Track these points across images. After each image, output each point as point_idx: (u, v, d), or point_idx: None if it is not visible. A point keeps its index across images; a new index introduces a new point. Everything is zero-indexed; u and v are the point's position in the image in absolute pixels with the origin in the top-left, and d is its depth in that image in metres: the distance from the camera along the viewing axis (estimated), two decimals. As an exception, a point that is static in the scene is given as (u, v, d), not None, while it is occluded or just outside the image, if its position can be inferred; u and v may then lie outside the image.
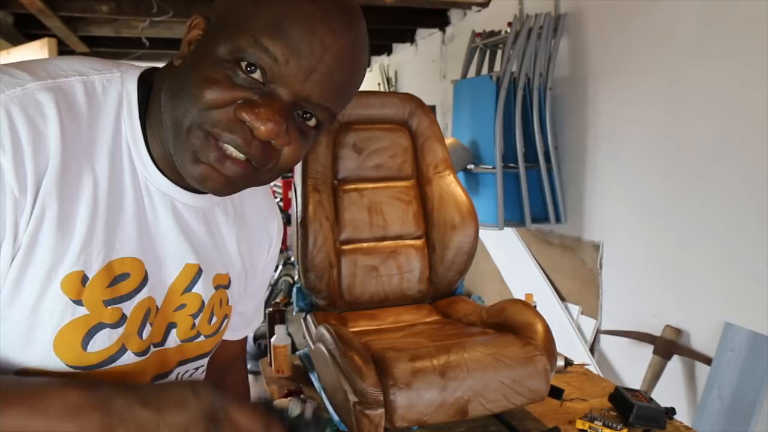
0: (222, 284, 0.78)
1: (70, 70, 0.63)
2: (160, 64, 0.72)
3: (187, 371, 0.79)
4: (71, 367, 0.63)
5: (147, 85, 0.68)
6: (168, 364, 0.74)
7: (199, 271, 0.74)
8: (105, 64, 0.67)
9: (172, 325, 0.73)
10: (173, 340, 0.74)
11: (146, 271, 0.68)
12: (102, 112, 0.64)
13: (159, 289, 0.70)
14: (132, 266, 0.66)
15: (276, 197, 6.02)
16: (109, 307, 0.64)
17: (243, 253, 0.81)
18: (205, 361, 0.81)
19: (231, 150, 0.61)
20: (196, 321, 0.75)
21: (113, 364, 0.66)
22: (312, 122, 0.64)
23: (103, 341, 0.64)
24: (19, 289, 0.59)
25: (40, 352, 0.62)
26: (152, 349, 0.71)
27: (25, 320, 0.60)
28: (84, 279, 0.62)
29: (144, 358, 0.69)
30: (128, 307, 0.66)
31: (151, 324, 0.69)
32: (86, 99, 0.62)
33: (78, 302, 0.62)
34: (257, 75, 0.60)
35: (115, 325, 0.65)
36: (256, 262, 0.85)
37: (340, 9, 0.61)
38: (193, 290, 0.74)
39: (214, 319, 0.78)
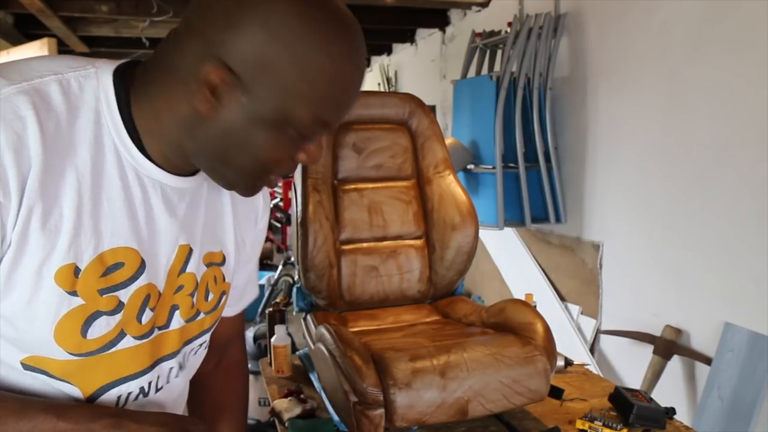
0: (215, 261, 0.81)
1: (45, 70, 0.64)
2: None
3: (192, 349, 0.82)
4: (72, 354, 0.66)
5: (123, 78, 0.68)
6: (173, 345, 0.77)
7: (190, 251, 0.76)
8: (79, 61, 0.67)
9: (175, 307, 0.76)
10: (177, 321, 0.77)
11: (142, 259, 0.69)
12: (80, 109, 0.65)
13: (159, 275, 0.72)
14: (126, 255, 0.68)
15: (276, 197, 6.02)
16: (104, 296, 0.66)
17: (234, 227, 0.84)
18: (207, 337, 0.85)
19: None
20: (194, 300, 0.78)
21: (113, 349, 0.69)
22: None
23: (101, 328, 0.67)
24: (12, 286, 0.61)
25: (41, 342, 0.64)
26: (156, 332, 0.74)
27: (23, 314, 0.62)
28: (76, 271, 0.64)
29: (146, 341, 0.72)
30: (125, 295, 0.68)
31: (151, 309, 0.72)
32: (63, 97, 0.63)
33: (73, 293, 0.64)
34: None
35: (112, 312, 0.67)
36: (245, 236, 0.88)
37: (362, 53, 0.67)
38: (187, 270, 0.76)
39: (211, 296, 0.81)
